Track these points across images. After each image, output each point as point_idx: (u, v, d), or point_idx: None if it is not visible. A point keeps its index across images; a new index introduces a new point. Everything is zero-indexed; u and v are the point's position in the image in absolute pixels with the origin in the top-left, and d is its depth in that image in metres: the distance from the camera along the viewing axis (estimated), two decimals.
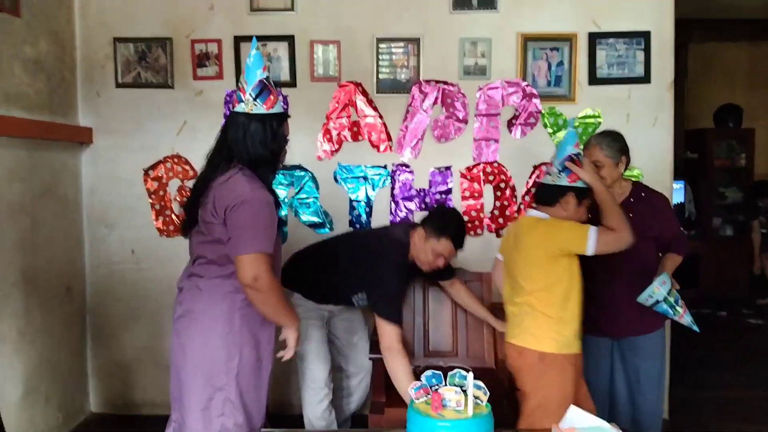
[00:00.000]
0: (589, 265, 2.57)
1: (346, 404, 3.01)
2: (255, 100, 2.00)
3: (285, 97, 3.28)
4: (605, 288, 2.54)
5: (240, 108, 2.03)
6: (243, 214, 1.91)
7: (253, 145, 2.00)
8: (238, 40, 3.29)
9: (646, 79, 3.27)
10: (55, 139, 3.10)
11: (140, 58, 3.34)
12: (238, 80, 3.31)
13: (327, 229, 3.36)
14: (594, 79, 3.27)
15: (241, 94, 2.03)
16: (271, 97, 2.02)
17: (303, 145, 3.32)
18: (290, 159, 3.27)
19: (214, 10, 3.31)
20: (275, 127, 2.03)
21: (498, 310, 3.05)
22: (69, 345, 3.25)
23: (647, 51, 3.26)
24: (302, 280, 2.70)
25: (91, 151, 3.38)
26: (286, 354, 2.15)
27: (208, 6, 3.30)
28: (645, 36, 3.25)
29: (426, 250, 2.50)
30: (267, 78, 2.03)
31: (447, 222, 2.52)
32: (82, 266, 3.40)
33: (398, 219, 3.34)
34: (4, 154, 2.74)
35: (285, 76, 3.31)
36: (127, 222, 3.38)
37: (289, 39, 3.28)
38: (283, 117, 2.08)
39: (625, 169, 2.57)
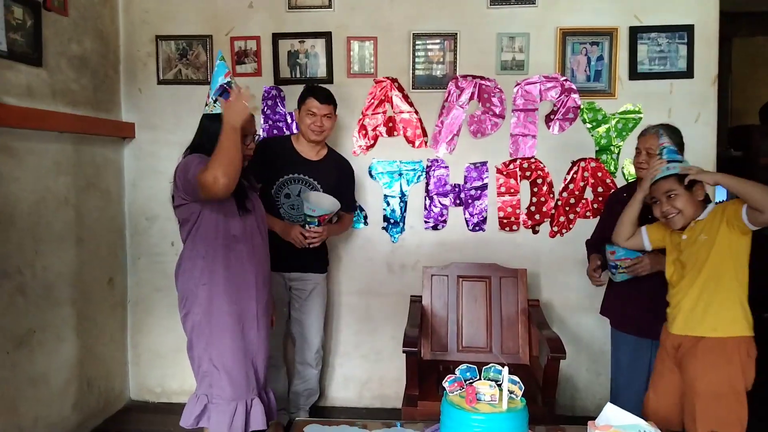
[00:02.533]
0: None
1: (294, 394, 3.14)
2: (215, 102, 2.22)
3: (284, 99, 3.31)
4: (648, 289, 2.49)
5: (205, 110, 2.25)
6: (178, 171, 2.17)
7: (212, 142, 2.16)
8: (277, 38, 3.33)
9: (688, 74, 3.19)
10: (99, 133, 3.19)
11: (181, 56, 3.41)
12: (276, 77, 3.36)
13: (360, 224, 3.38)
14: (635, 74, 3.21)
15: (206, 99, 2.25)
16: (231, 98, 2.19)
17: (339, 141, 3.34)
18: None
19: (253, 7, 3.35)
20: None
21: (533, 307, 3.04)
22: (110, 334, 3.35)
23: (690, 45, 3.18)
24: None
25: (133, 145, 3.47)
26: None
27: (248, 4, 3.35)
28: (688, 30, 3.17)
29: (302, 117, 2.86)
30: (228, 83, 2.22)
31: (304, 90, 2.92)
32: (124, 258, 3.49)
33: (432, 215, 3.34)
34: (50, 148, 2.83)
35: (322, 72, 3.33)
36: (167, 214, 3.44)
37: (326, 36, 3.31)
38: None
39: None
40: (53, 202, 2.85)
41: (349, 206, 3.08)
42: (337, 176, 2.94)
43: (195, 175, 2.08)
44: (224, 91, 2.21)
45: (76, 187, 3.02)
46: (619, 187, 3.04)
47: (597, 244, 2.73)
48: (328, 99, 2.86)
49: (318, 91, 2.86)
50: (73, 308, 2.98)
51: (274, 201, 2.88)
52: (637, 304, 2.54)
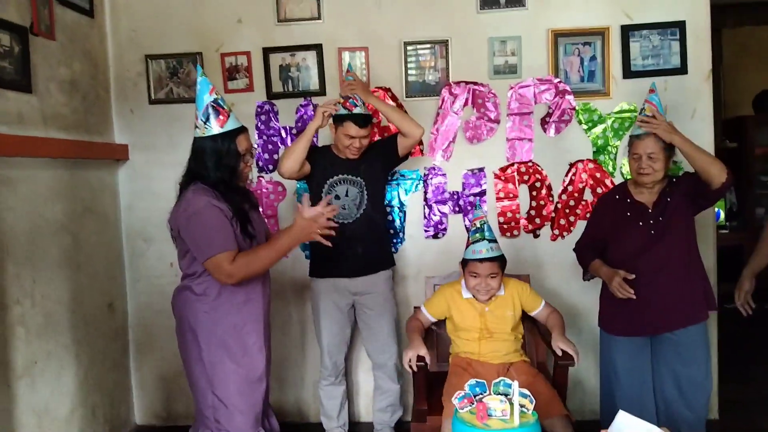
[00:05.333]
0: (629, 259, 2.51)
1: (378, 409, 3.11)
2: (206, 123, 2.14)
3: (277, 113, 3.30)
4: (642, 283, 2.48)
5: (196, 133, 2.17)
6: (191, 227, 2.09)
7: (210, 167, 2.15)
8: (267, 52, 3.31)
9: (682, 70, 3.18)
10: (92, 157, 3.16)
11: (172, 74, 3.38)
12: (268, 91, 3.34)
13: None
14: (628, 73, 3.19)
15: (195, 120, 2.16)
16: (221, 116, 2.14)
17: None
18: None
19: (242, 22, 3.33)
20: (227, 144, 2.15)
21: None
22: (113, 359, 3.31)
23: (683, 41, 3.17)
24: (315, 258, 3.01)
25: (128, 167, 3.44)
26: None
27: (236, 19, 3.33)
28: (680, 26, 3.16)
29: (339, 136, 2.82)
30: (215, 100, 2.15)
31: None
32: (123, 281, 3.46)
33: (432, 223, 3.32)
34: (44, 174, 2.80)
35: (314, 85, 3.32)
36: (164, 235, 3.34)
37: (317, 48, 3.29)
38: (234, 133, 2.17)
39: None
40: (49, 230, 2.82)
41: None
42: (375, 153, 2.93)
43: (208, 257, 2.07)
44: (213, 110, 2.14)
45: (72, 213, 2.99)
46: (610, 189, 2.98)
47: (591, 250, 2.69)
48: (366, 122, 2.82)
49: (357, 114, 2.78)
50: (74, 335, 2.94)
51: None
52: (634, 301, 2.49)
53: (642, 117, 2.48)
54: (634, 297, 2.45)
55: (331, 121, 2.84)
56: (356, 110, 2.77)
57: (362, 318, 3.01)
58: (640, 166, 2.49)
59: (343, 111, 2.78)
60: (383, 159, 2.97)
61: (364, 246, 2.90)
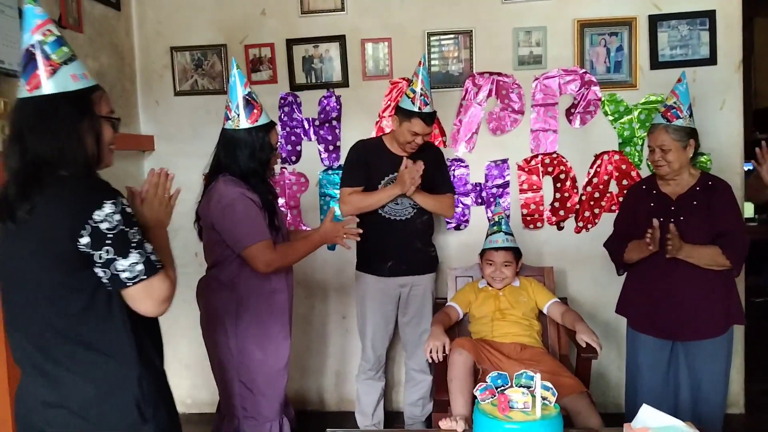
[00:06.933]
0: (647, 261, 2.48)
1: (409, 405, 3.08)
2: (240, 116, 2.17)
3: (300, 105, 3.30)
4: (664, 287, 2.44)
5: (228, 125, 2.20)
6: (227, 217, 2.12)
7: (242, 159, 2.18)
8: (291, 43, 3.32)
9: (711, 60, 3.12)
10: (118, 148, 3.18)
11: (197, 66, 3.41)
12: (291, 83, 3.35)
13: None
14: (656, 63, 3.14)
15: (228, 112, 2.19)
16: (255, 111, 2.18)
17: None
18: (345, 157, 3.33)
19: (266, 14, 3.34)
20: (261, 138, 2.18)
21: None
22: None
23: (712, 31, 3.10)
24: (363, 252, 2.94)
25: (153, 158, 3.48)
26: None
27: (260, 11, 3.34)
28: (710, 15, 3.09)
29: (402, 131, 2.72)
30: (249, 93, 2.19)
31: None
32: None
33: (454, 215, 3.30)
34: None
35: (337, 76, 3.32)
36: (189, 225, 3.40)
37: (340, 39, 3.29)
38: (268, 127, 2.21)
39: (695, 154, 2.45)
40: None
41: (446, 187, 2.93)
42: (429, 163, 2.80)
43: (246, 246, 2.10)
44: (247, 104, 2.18)
45: None
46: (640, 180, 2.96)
47: (620, 243, 2.64)
48: (433, 119, 2.77)
49: (426, 112, 2.70)
50: None
51: None
52: (656, 304, 2.47)
53: None
54: (651, 247, 2.36)
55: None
56: (426, 109, 2.69)
57: (401, 308, 2.98)
58: (654, 158, 2.46)
59: (410, 105, 2.69)
60: (432, 163, 2.86)
61: (415, 243, 2.89)
